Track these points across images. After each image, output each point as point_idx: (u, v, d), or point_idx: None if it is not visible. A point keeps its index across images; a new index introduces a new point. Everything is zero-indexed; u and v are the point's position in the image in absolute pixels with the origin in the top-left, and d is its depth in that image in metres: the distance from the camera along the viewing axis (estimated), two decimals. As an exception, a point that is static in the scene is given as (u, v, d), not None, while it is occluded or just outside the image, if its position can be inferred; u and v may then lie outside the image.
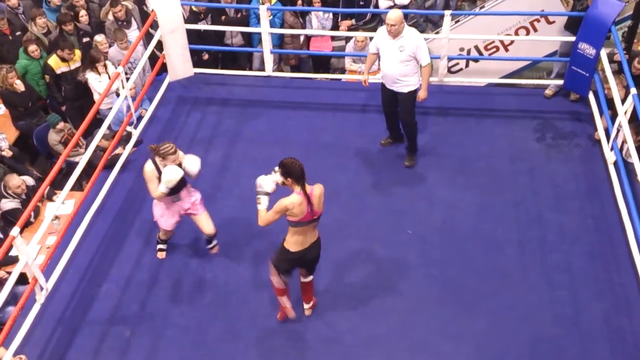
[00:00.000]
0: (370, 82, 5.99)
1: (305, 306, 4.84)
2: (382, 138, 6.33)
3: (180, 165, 4.69)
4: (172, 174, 4.59)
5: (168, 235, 5.24)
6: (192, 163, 4.75)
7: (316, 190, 4.22)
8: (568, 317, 4.81)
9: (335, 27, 8.02)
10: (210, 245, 5.35)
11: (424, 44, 5.54)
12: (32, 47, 7.06)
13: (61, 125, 6.81)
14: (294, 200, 4.13)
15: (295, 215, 4.17)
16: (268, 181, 4.20)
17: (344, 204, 5.73)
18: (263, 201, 4.24)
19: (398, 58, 5.52)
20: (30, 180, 6.22)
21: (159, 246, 5.36)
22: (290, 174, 4.15)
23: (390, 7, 7.95)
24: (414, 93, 5.71)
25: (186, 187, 4.93)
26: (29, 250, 4.64)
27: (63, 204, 5.30)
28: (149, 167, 4.72)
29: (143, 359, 4.66)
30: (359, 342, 4.72)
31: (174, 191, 4.79)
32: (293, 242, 4.33)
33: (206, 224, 5.06)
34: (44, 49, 7.36)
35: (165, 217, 4.99)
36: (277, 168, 4.19)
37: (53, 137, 6.84)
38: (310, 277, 4.68)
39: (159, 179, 4.67)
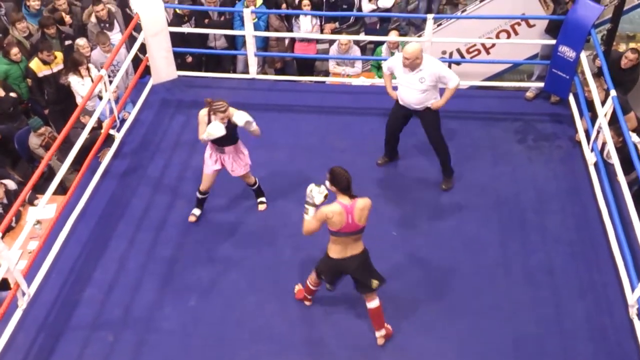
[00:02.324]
0: (357, 86, 5.95)
1: (376, 334, 4.67)
2: (379, 157, 6.18)
3: (229, 122, 5.03)
4: (213, 129, 4.96)
5: (205, 187, 5.47)
6: (239, 117, 5.04)
7: (359, 203, 4.24)
8: (550, 317, 4.86)
9: (320, 30, 8.05)
10: (258, 201, 5.72)
11: (445, 69, 5.36)
12: (14, 50, 7.00)
13: (42, 129, 6.76)
14: (334, 209, 4.17)
15: (334, 224, 4.20)
16: (318, 194, 4.24)
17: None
18: (310, 212, 4.26)
19: (419, 88, 5.38)
20: (12, 184, 6.16)
21: (193, 211, 5.64)
22: (337, 184, 4.21)
23: (374, 10, 8.01)
24: (436, 110, 5.56)
25: (235, 145, 5.24)
26: (11, 255, 4.59)
27: (45, 208, 5.25)
28: (203, 111, 5.10)
29: (127, 364, 4.63)
30: (344, 344, 4.72)
31: (220, 144, 5.15)
32: (333, 250, 4.39)
33: (246, 179, 5.50)
34: (25, 53, 7.30)
35: (208, 161, 5.33)
36: (327, 183, 4.26)
37: (34, 141, 6.79)
38: (373, 304, 4.54)
39: (207, 126, 5.05)
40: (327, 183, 4.26)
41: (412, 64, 5.28)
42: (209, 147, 5.31)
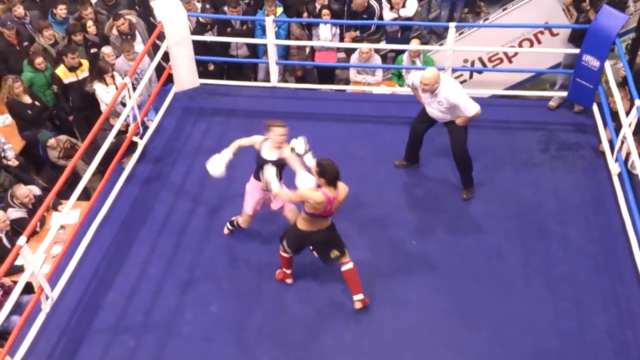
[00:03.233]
0: (377, 94, 5.92)
1: (354, 298, 4.89)
2: (396, 159, 6.23)
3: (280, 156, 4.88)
4: (212, 167, 4.97)
5: (247, 225, 5.34)
6: (304, 180, 4.64)
7: (341, 196, 4.51)
8: (572, 330, 4.80)
9: (340, 39, 8.08)
10: None
11: (463, 100, 5.35)
12: (39, 60, 7.14)
13: (52, 141, 6.86)
14: (317, 198, 4.40)
15: (313, 209, 4.47)
16: (303, 144, 4.64)
17: (348, 215, 5.71)
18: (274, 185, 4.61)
19: (439, 109, 5.51)
20: (36, 190, 6.26)
21: (229, 225, 5.54)
22: (325, 175, 4.41)
23: (395, 19, 8.02)
24: (464, 125, 5.60)
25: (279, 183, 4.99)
26: (35, 259, 4.66)
27: (68, 213, 5.33)
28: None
29: (148, 369, 4.68)
30: (362, 352, 4.72)
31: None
32: (302, 223, 4.66)
33: (293, 217, 5.03)
34: (51, 60, 7.42)
35: (250, 197, 5.14)
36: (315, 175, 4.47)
37: (52, 155, 6.89)
38: (347, 267, 4.78)
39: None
40: (315, 176, 4.46)
41: (431, 88, 5.37)
42: (253, 185, 5.12)
